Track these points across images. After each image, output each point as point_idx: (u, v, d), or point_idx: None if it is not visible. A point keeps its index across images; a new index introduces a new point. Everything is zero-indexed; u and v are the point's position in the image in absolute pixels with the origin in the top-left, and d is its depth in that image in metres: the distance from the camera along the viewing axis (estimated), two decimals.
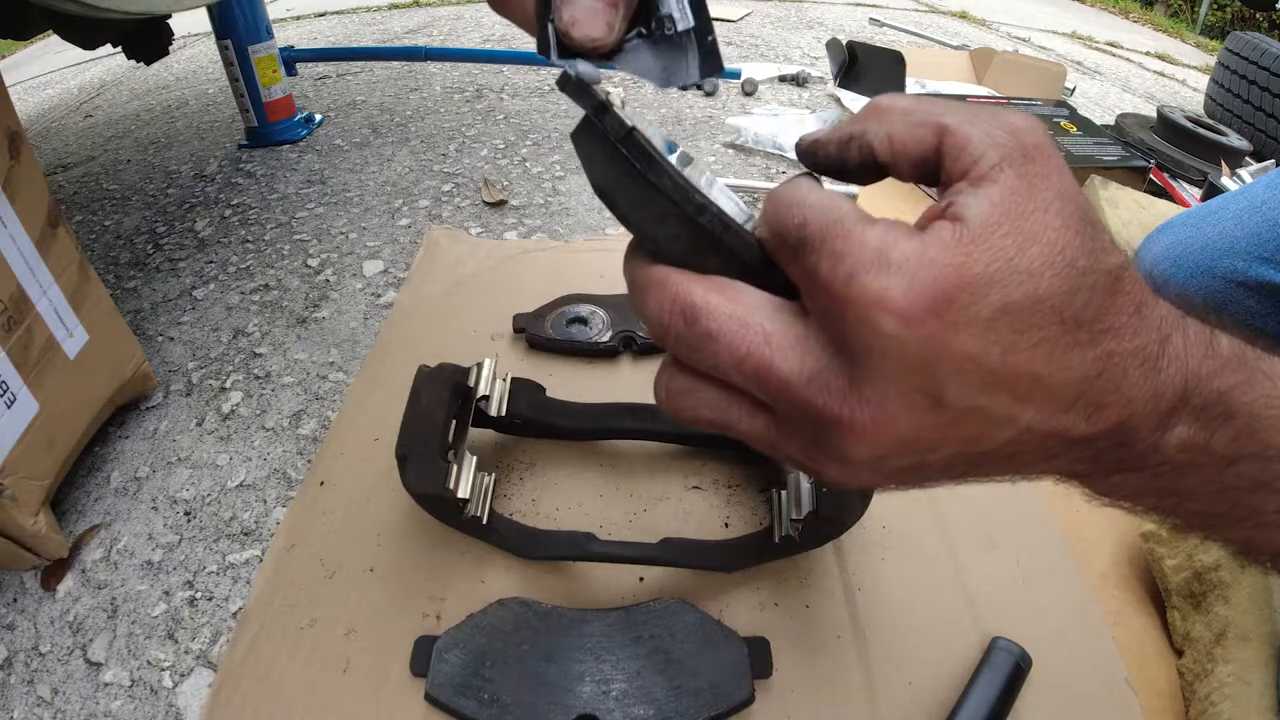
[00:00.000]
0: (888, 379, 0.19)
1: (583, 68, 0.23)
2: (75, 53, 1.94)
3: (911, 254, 0.18)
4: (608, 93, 0.22)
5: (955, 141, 0.20)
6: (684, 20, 0.24)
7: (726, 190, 0.23)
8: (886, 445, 0.20)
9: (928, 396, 0.19)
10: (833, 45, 1.18)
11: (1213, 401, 0.20)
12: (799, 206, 0.20)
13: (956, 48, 1.74)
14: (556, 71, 0.24)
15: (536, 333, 0.67)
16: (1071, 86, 1.36)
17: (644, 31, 0.25)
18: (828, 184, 0.23)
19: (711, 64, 0.25)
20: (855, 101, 1.19)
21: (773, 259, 0.21)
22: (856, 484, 0.22)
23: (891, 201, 0.97)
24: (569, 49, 0.23)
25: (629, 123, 0.21)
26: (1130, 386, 0.20)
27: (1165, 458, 0.21)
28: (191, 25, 1.98)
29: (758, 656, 0.43)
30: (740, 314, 0.20)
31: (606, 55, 0.24)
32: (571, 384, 0.62)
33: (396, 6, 2.29)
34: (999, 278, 0.18)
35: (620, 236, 0.87)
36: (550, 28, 0.23)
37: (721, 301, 0.21)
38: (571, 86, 0.22)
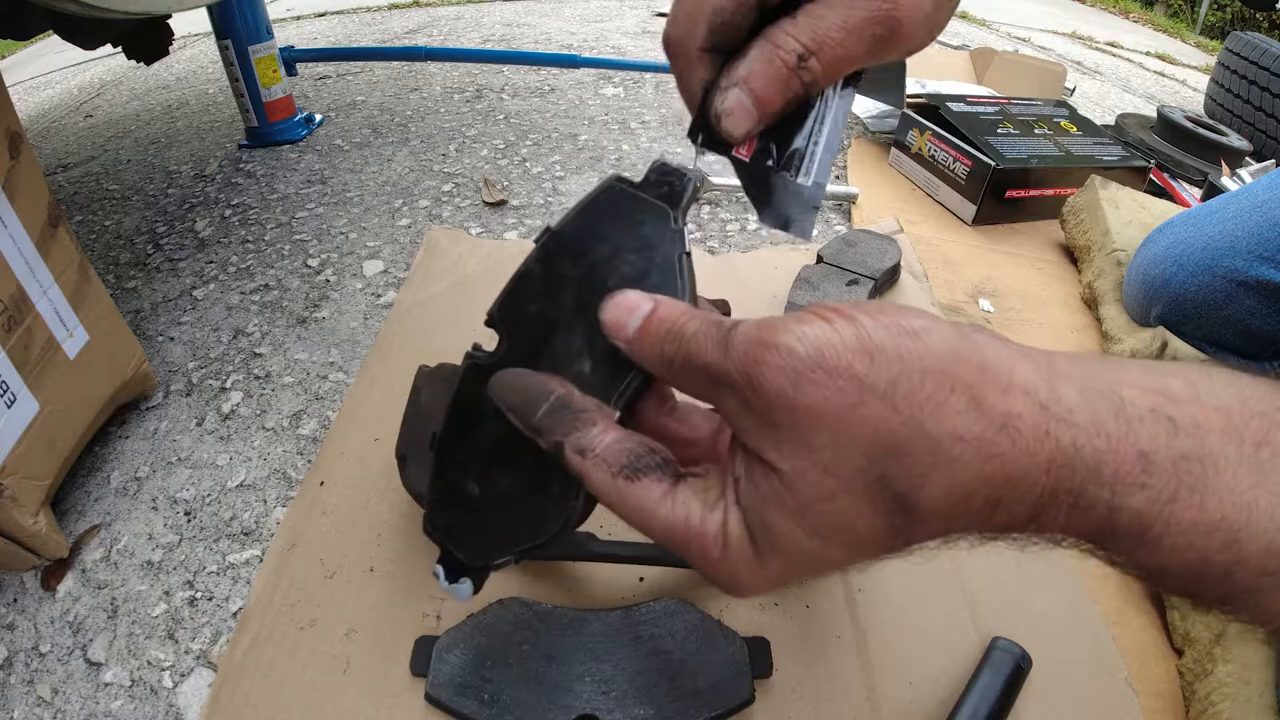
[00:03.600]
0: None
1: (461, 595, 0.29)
2: (75, 53, 1.94)
3: (727, 581, 0.23)
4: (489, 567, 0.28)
5: (720, 413, 0.23)
6: (806, 174, 0.26)
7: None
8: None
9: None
10: None
11: (1097, 547, 0.20)
12: (627, 517, 0.24)
13: (956, 48, 1.74)
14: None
15: None
16: (1071, 86, 1.36)
17: (773, 162, 0.26)
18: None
19: (801, 227, 0.26)
20: (854, 101, 1.19)
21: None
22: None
23: (893, 203, 0.97)
24: (712, 142, 0.26)
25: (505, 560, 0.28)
26: (983, 536, 0.22)
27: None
28: (191, 25, 1.98)
29: (758, 656, 0.43)
30: (676, 528, 0.24)
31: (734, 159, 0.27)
32: None
33: (396, 6, 2.29)
34: (805, 568, 0.22)
35: None
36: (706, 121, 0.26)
37: (663, 512, 0.24)
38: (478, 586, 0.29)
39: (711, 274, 0.80)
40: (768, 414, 0.20)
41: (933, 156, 0.97)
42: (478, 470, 0.28)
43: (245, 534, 0.54)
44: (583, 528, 0.48)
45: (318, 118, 1.27)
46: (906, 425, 0.19)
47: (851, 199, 0.97)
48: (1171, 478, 0.18)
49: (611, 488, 0.24)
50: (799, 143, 0.26)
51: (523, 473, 0.27)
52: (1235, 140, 1.13)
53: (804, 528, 0.20)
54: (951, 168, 0.93)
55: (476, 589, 0.28)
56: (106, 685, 0.45)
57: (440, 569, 0.28)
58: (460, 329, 0.71)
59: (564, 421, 0.24)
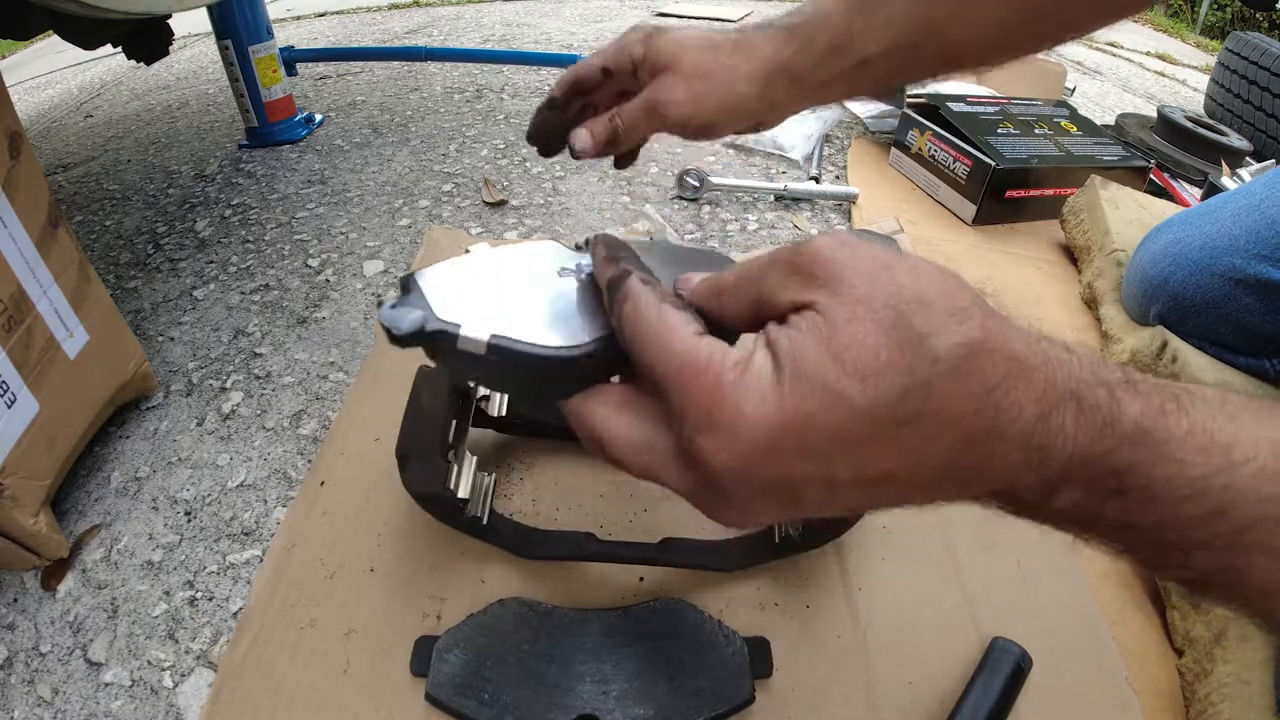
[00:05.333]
0: (746, 497, 0.22)
1: (397, 319, 0.25)
2: (75, 53, 1.94)
3: (733, 414, 0.20)
4: (456, 325, 0.25)
5: (761, 298, 0.23)
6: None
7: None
8: (768, 523, 0.23)
9: (787, 500, 0.22)
10: None
11: (1104, 477, 0.20)
12: (644, 349, 0.23)
13: None
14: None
15: None
16: (1071, 86, 1.36)
17: None
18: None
19: None
20: (855, 101, 1.19)
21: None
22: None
23: (893, 204, 0.97)
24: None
25: (483, 336, 0.24)
26: (1000, 462, 0.20)
27: (1055, 513, 0.21)
28: (191, 25, 1.98)
29: (758, 656, 0.43)
30: (635, 438, 0.24)
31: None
32: None
33: (396, 6, 2.29)
34: (817, 408, 0.20)
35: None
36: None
37: (619, 428, 0.24)
38: (410, 341, 0.25)
39: None
40: (809, 270, 0.22)
41: (933, 156, 0.97)
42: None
43: (245, 534, 0.54)
44: (582, 528, 0.48)
45: (318, 118, 1.27)
46: (932, 285, 0.21)
47: (851, 199, 0.97)
48: (1157, 394, 0.20)
49: (651, 305, 0.23)
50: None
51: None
52: (1235, 140, 1.13)
53: (830, 352, 0.20)
54: (951, 168, 0.93)
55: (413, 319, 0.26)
56: (107, 685, 0.45)
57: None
58: None
59: (636, 267, 0.25)
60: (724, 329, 0.24)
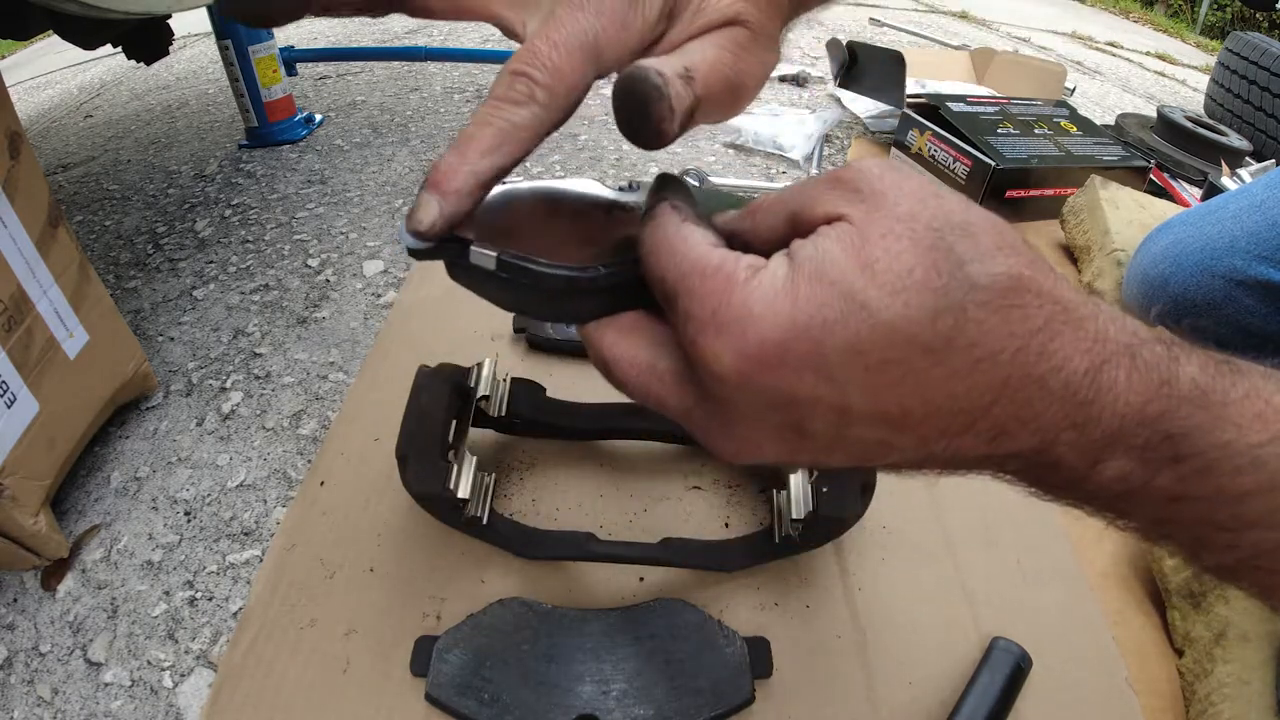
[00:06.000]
0: (748, 419, 0.20)
1: (410, 242, 0.25)
2: (75, 53, 1.94)
3: (740, 311, 0.19)
4: (468, 239, 0.25)
5: (797, 212, 0.21)
6: None
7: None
8: (768, 461, 0.22)
9: (791, 429, 0.20)
10: (833, 45, 1.18)
11: (1158, 442, 0.18)
12: (656, 259, 0.21)
13: (956, 48, 1.74)
14: None
15: (537, 333, 0.67)
16: (1071, 86, 1.36)
17: None
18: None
19: None
20: (855, 101, 1.19)
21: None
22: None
23: None
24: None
25: (493, 252, 0.24)
26: (1038, 416, 0.18)
27: (1098, 486, 0.19)
28: (191, 25, 1.98)
29: (758, 656, 0.43)
30: (640, 360, 0.23)
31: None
32: (572, 384, 0.62)
33: None
34: (836, 317, 0.18)
35: None
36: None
37: (625, 350, 0.23)
38: (425, 254, 0.25)
39: None
40: (853, 184, 0.20)
41: (933, 156, 0.97)
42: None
43: (245, 534, 0.54)
44: (582, 528, 0.48)
45: (318, 118, 1.27)
46: (981, 219, 0.19)
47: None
48: (1209, 355, 0.19)
49: (673, 222, 0.22)
50: None
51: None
52: (1235, 140, 1.13)
53: (858, 261, 0.18)
54: (951, 168, 0.93)
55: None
56: (106, 685, 0.45)
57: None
58: (460, 329, 0.71)
59: (679, 199, 0.24)
60: (757, 254, 0.23)
